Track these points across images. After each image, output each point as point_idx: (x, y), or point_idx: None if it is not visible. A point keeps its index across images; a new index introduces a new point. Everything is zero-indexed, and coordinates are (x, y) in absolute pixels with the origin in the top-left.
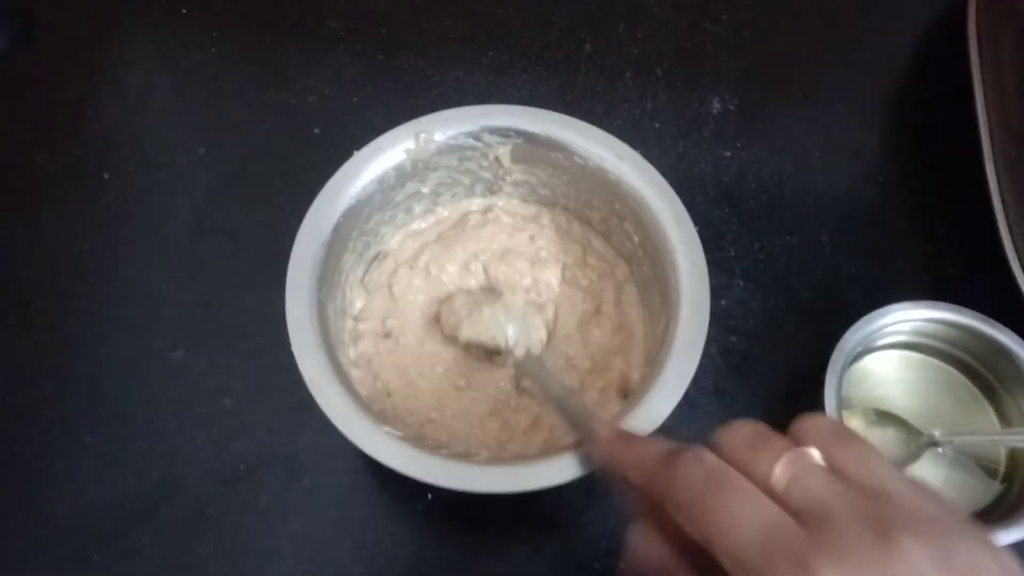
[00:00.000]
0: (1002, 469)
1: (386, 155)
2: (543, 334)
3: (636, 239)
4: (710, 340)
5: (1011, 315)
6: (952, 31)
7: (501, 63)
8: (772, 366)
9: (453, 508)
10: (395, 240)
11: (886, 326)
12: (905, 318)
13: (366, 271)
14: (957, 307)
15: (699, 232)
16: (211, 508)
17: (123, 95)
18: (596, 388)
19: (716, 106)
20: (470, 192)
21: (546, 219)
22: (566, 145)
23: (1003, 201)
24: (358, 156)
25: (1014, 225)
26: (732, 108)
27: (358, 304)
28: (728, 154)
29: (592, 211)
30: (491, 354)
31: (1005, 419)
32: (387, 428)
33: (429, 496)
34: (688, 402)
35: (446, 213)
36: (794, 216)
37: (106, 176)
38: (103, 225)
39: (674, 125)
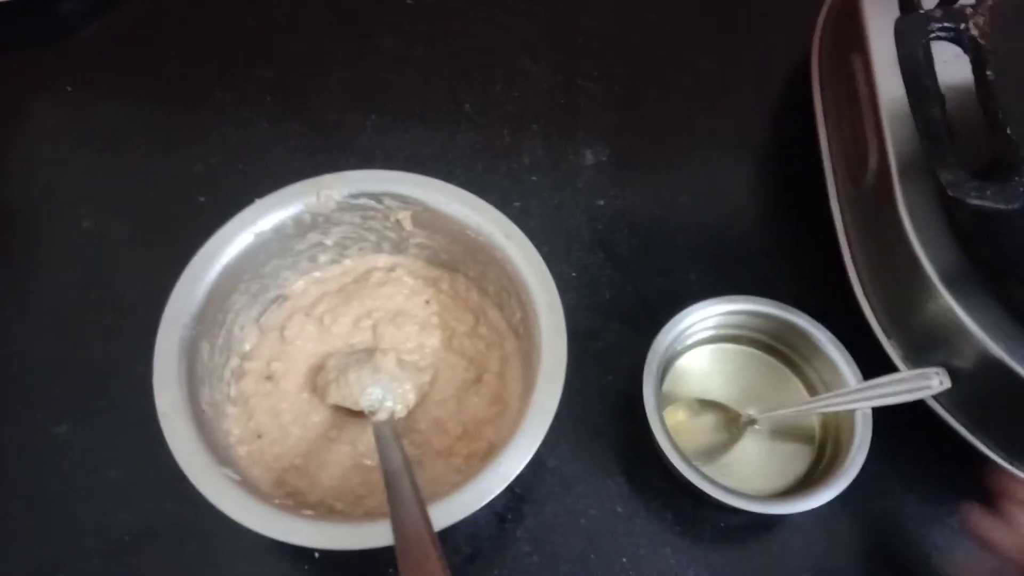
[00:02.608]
0: (816, 435)
1: (285, 207)
2: (412, 398)
3: (519, 315)
4: (588, 382)
5: (852, 330)
6: (803, 81)
7: (384, 126)
8: None
9: (340, 569)
10: (298, 285)
11: (692, 324)
12: (707, 315)
13: (263, 312)
14: (751, 297)
15: (575, 278)
16: None
17: (6, 172)
18: (462, 455)
19: (589, 158)
20: (377, 248)
21: (446, 284)
22: (459, 219)
23: (846, 234)
24: (256, 205)
25: (856, 254)
26: (604, 159)
27: (248, 344)
28: (602, 203)
29: (487, 282)
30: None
31: (812, 390)
32: (227, 471)
33: (316, 555)
34: (571, 443)
35: (352, 265)
36: (665, 258)
37: None
38: None
39: (550, 177)
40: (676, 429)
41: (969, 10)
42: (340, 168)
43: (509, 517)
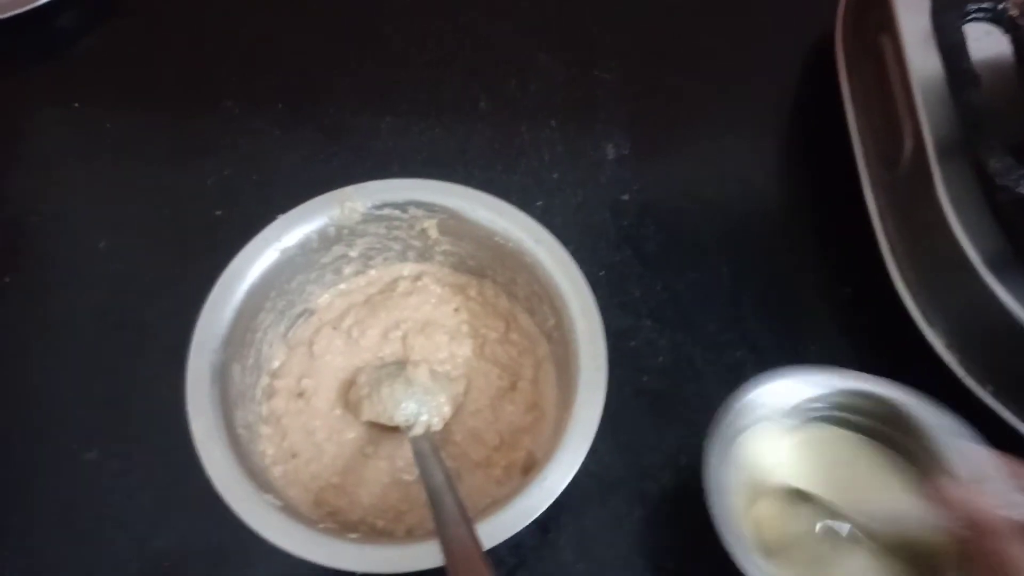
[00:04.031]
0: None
1: (308, 222)
2: (447, 410)
3: (552, 321)
4: (623, 383)
5: (893, 324)
6: (824, 63)
7: (399, 127)
8: (684, 400)
9: None
10: (324, 299)
11: (763, 401)
12: (782, 391)
13: (290, 327)
14: (843, 371)
15: (603, 276)
16: None
17: (13, 192)
18: (500, 466)
19: (611, 152)
20: (402, 257)
21: (474, 290)
22: (487, 226)
23: (882, 220)
24: (279, 221)
25: (895, 243)
26: (626, 152)
27: (277, 361)
28: (626, 197)
29: (517, 287)
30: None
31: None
32: (268, 496)
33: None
34: (609, 446)
35: (377, 275)
36: (694, 252)
37: (7, 280)
38: (6, 329)
39: (572, 174)
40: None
41: None
42: (355, 174)
43: (551, 527)
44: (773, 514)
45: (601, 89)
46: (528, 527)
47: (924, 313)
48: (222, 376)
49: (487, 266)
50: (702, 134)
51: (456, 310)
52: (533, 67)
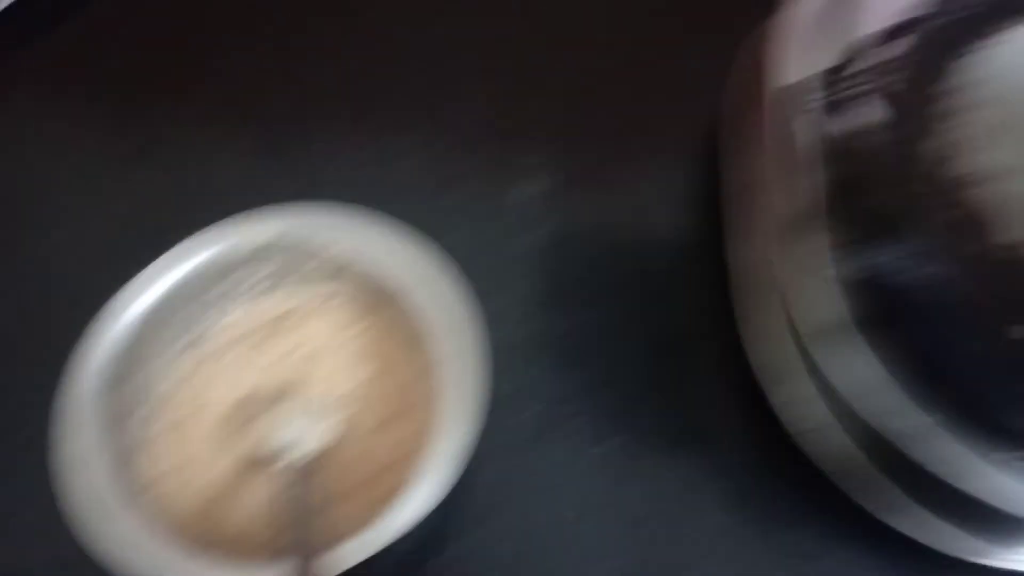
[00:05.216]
0: None
1: (209, 247)
2: (324, 439)
3: (443, 349)
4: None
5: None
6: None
7: (328, 149)
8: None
9: None
10: (220, 323)
11: None
12: None
13: (180, 353)
14: None
15: (507, 310)
16: None
17: None
18: (379, 493)
19: (532, 183)
20: (306, 280)
21: (379, 314)
22: (387, 259)
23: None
24: (182, 245)
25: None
26: (547, 185)
27: (162, 386)
28: (542, 230)
29: (418, 314)
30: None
31: None
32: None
33: None
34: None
35: (274, 301)
36: (600, 288)
37: None
38: None
39: (492, 205)
40: None
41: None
42: (283, 193)
43: (433, 549)
44: None
45: (527, 119)
46: (410, 553)
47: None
48: (101, 398)
49: (394, 290)
50: (618, 168)
51: (358, 333)
52: (463, 94)
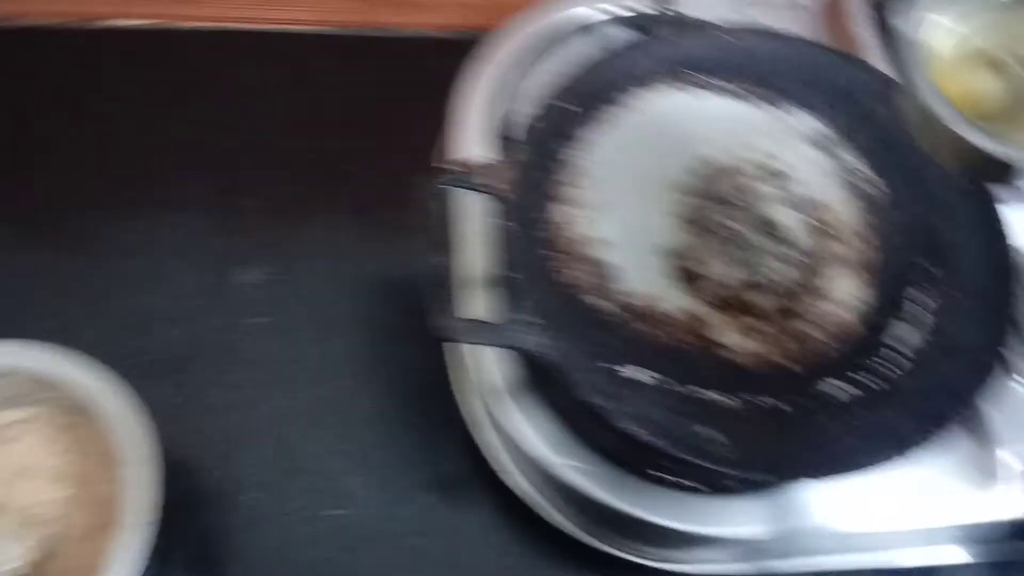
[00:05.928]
0: None
1: None
2: (32, 556)
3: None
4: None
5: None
6: None
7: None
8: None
9: None
10: None
11: None
12: None
13: None
14: None
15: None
16: None
17: None
18: None
19: (247, 277)
20: (11, 403)
21: (82, 430)
22: (65, 380)
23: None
24: None
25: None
26: (262, 277)
27: None
28: (257, 321)
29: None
30: None
31: None
32: None
33: None
34: None
35: None
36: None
37: None
38: None
39: (203, 299)
40: None
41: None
42: None
43: None
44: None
45: (244, 213)
46: None
47: None
48: None
49: (89, 410)
50: (339, 260)
51: (63, 451)
52: (174, 185)
